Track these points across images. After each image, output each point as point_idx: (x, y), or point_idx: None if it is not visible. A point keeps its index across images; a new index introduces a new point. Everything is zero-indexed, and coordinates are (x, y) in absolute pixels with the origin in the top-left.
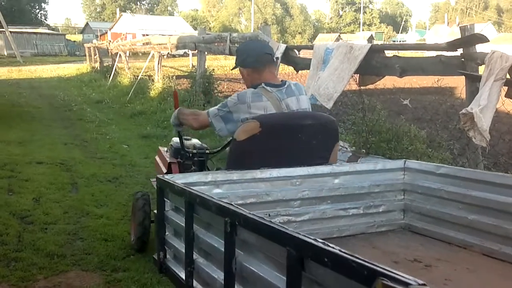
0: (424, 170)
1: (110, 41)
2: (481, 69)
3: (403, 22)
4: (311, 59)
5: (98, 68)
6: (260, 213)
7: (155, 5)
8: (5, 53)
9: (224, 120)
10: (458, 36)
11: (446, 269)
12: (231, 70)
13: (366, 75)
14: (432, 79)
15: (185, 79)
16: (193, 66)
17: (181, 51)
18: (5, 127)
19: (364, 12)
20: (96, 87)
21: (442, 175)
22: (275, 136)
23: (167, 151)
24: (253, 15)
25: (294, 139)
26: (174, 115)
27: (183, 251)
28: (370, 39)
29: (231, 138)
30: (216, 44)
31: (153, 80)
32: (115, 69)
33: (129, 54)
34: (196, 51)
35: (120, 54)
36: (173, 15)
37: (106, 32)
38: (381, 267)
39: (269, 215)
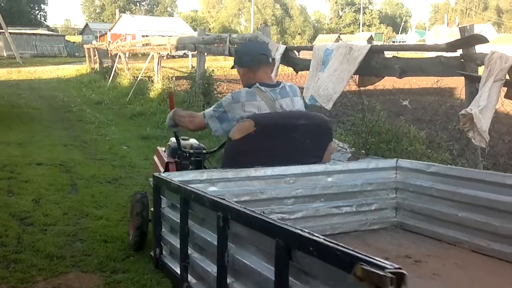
0: (415, 168)
1: (109, 42)
2: (481, 70)
3: (402, 23)
4: (310, 60)
5: (98, 69)
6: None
7: (154, 6)
8: (5, 54)
9: (220, 120)
10: (458, 36)
11: (435, 264)
12: (231, 69)
13: (366, 76)
14: (432, 79)
15: (184, 80)
16: (192, 67)
17: (180, 52)
18: (5, 129)
19: (364, 13)
20: (96, 88)
21: (432, 174)
22: (269, 135)
23: (165, 151)
24: (253, 16)
25: (288, 138)
26: (170, 116)
27: (178, 246)
28: (370, 39)
29: (227, 137)
30: (215, 45)
31: (152, 81)
32: (115, 70)
33: (129, 55)
34: (196, 52)
35: (119, 55)
36: (173, 16)
37: (106, 33)
38: (360, 254)
39: (263, 213)
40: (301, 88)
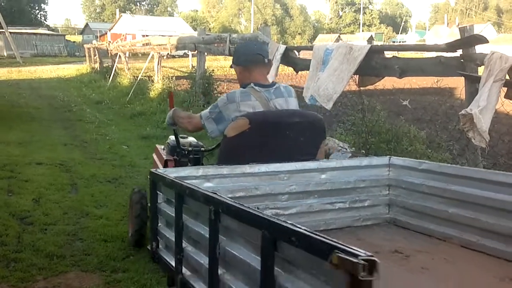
0: (407, 166)
1: (110, 41)
2: (481, 70)
3: (403, 23)
4: (310, 60)
5: (98, 68)
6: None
7: (154, 6)
8: (5, 54)
9: (216, 122)
10: (458, 37)
11: (424, 259)
12: (230, 68)
13: (366, 76)
14: (432, 79)
15: (184, 80)
16: (192, 66)
17: (180, 52)
18: (5, 128)
19: (364, 13)
20: (96, 87)
21: (424, 171)
22: (263, 133)
23: (164, 149)
24: (253, 15)
25: (282, 136)
26: (169, 115)
27: (174, 240)
28: (370, 39)
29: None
30: (215, 44)
31: (152, 81)
32: (115, 70)
33: (129, 54)
34: (196, 51)
35: (119, 55)
36: (173, 16)
37: (106, 33)
38: (337, 243)
39: (258, 208)
40: (301, 88)
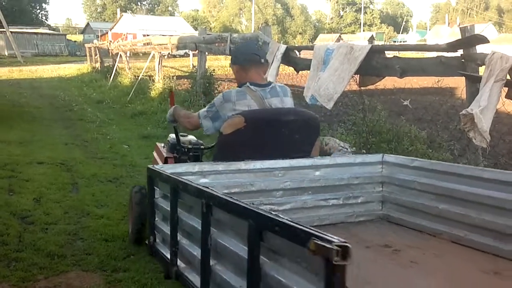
0: (400, 163)
1: (110, 41)
2: (482, 70)
3: (403, 23)
4: (311, 59)
5: (99, 68)
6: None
7: (155, 6)
8: (6, 53)
9: (212, 120)
10: (459, 36)
11: (414, 253)
12: (230, 66)
13: (367, 76)
14: (433, 79)
15: (185, 80)
16: (193, 66)
17: (181, 52)
18: (6, 127)
19: (365, 13)
20: (97, 87)
21: (415, 168)
22: (259, 131)
23: (164, 147)
24: (254, 15)
25: (277, 134)
26: (170, 112)
27: (169, 233)
28: (371, 39)
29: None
30: (216, 44)
31: (153, 81)
32: (116, 69)
33: (130, 54)
34: (197, 51)
35: (120, 54)
36: (174, 16)
37: (107, 32)
38: (314, 231)
39: (253, 204)
40: (302, 88)
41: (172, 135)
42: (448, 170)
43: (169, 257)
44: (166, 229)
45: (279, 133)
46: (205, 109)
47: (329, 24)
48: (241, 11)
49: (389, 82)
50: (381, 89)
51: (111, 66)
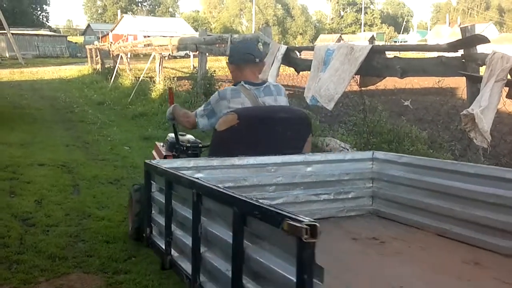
0: (389, 160)
1: (111, 42)
2: (482, 70)
3: (404, 23)
4: (312, 60)
5: (100, 69)
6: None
7: (156, 7)
8: (7, 55)
9: (208, 117)
10: (460, 36)
11: (400, 246)
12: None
13: (367, 76)
14: (433, 80)
15: (186, 81)
16: (194, 67)
17: (182, 53)
18: (7, 129)
19: (365, 13)
20: (98, 88)
21: (404, 164)
22: (252, 127)
23: (163, 146)
24: (254, 16)
25: (270, 130)
26: (169, 110)
27: (164, 224)
28: (372, 39)
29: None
30: (217, 45)
31: (154, 82)
32: (117, 71)
33: (131, 55)
34: (197, 52)
35: (121, 56)
36: (174, 17)
37: (108, 34)
38: (288, 213)
39: None
40: (302, 89)
41: (171, 135)
42: (435, 166)
43: (163, 247)
44: (162, 221)
45: (272, 130)
46: (201, 107)
47: (329, 25)
48: (242, 12)
49: (389, 83)
50: (381, 89)
51: (112, 67)
